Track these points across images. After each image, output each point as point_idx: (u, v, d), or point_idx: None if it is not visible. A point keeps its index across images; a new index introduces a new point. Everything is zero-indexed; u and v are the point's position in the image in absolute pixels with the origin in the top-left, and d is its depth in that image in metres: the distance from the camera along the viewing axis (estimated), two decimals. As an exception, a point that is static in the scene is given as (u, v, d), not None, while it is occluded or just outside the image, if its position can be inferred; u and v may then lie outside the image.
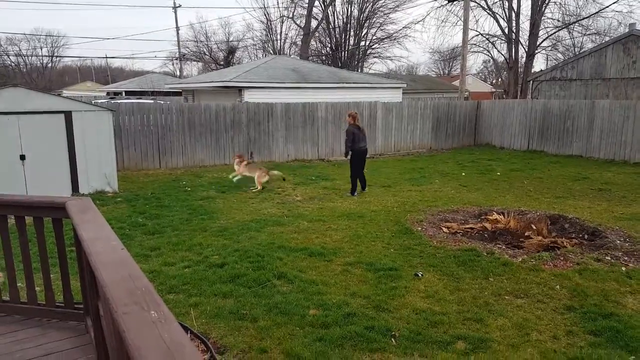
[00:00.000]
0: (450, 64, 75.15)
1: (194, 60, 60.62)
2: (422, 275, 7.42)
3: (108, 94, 45.27)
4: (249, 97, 21.14)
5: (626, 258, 8.05)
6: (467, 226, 9.58)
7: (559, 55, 42.95)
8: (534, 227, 9.16)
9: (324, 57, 51.82)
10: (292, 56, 45.10)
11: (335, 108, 19.99)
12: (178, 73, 62.59)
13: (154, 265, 7.78)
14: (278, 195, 12.60)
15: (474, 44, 41.06)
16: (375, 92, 24.75)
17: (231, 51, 54.85)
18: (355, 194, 12.28)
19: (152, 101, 25.58)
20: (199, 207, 11.35)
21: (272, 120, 18.59)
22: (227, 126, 17.80)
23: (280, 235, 9.21)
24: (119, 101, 25.88)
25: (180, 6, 72.13)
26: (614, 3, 54.87)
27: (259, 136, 18.53)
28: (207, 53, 57.48)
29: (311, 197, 12.22)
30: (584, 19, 36.80)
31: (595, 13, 36.41)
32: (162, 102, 21.39)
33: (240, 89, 21.21)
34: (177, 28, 54.07)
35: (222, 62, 54.04)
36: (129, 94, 43.48)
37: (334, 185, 13.73)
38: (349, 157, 12.21)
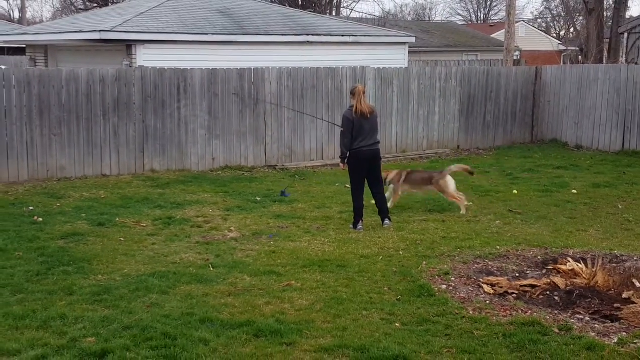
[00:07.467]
0: (489, 3, 63.12)
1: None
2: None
3: None
4: (147, 57, 17.47)
5: None
6: (525, 283, 8.34)
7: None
8: (638, 284, 7.85)
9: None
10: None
11: (296, 77, 16.31)
12: (17, 15, 49.73)
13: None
14: (198, 230, 10.85)
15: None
16: (363, 50, 20.93)
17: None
18: (359, 226, 10.68)
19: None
20: (59, 252, 9.59)
21: (185, 98, 15.06)
22: (107, 108, 14.25)
23: (203, 300, 7.62)
24: None
25: None
26: None
27: (163, 126, 14.87)
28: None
29: (255, 233, 10.70)
30: None
31: None
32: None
33: (129, 44, 17.72)
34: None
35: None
36: None
37: (294, 211, 12.11)
38: (344, 164, 10.91)
